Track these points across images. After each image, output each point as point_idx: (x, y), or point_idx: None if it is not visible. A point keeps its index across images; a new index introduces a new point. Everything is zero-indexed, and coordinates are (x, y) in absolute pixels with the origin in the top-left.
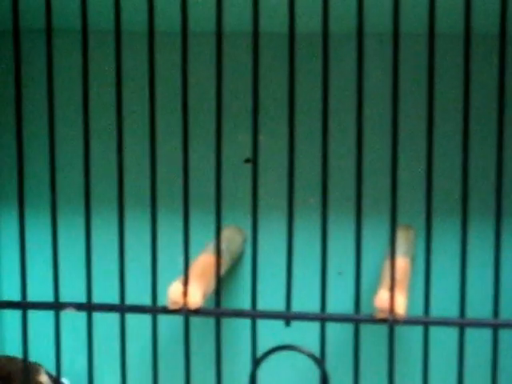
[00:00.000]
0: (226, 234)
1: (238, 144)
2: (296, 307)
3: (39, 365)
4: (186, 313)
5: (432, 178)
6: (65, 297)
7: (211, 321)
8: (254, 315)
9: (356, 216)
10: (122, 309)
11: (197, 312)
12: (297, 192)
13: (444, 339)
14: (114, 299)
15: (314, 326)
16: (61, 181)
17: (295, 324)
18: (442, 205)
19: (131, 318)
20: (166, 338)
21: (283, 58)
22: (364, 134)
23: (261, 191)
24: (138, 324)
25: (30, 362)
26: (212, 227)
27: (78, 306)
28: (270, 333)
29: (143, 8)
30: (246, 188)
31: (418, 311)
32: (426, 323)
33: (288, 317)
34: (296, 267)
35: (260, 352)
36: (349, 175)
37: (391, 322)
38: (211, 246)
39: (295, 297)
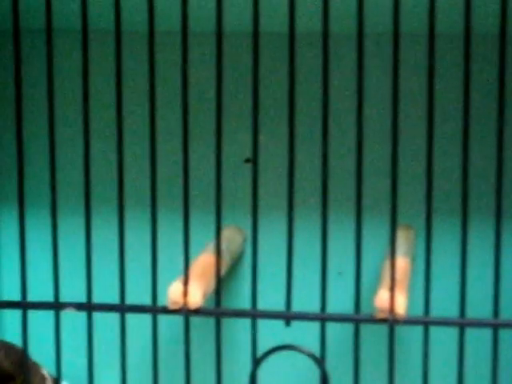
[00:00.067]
0: (226, 233)
1: (238, 144)
2: (296, 307)
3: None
4: (186, 313)
5: (432, 178)
6: (65, 297)
7: (211, 321)
8: (254, 315)
9: (356, 216)
10: (122, 309)
11: (197, 312)
12: (297, 192)
13: (444, 339)
14: (114, 299)
15: (314, 326)
16: (61, 181)
17: (295, 324)
18: (442, 205)
19: (131, 318)
20: (166, 338)
21: (283, 57)
22: (364, 133)
23: (261, 191)
24: (138, 324)
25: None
26: (212, 227)
27: (78, 306)
28: (270, 333)
29: (143, 8)
30: (246, 188)
31: (418, 311)
32: (426, 323)
33: (288, 317)
34: (296, 267)
35: (260, 352)
36: (349, 175)
37: (391, 322)
38: (211, 246)
39: (295, 297)
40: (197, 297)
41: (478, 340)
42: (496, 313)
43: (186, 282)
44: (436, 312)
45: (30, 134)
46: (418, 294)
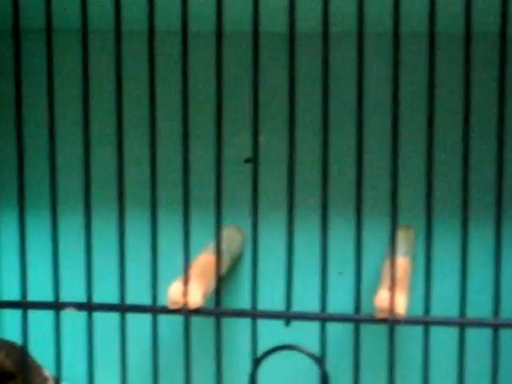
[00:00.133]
0: (226, 233)
1: (237, 144)
2: (296, 307)
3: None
4: (186, 312)
5: (432, 178)
6: (65, 296)
7: (211, 320)
8: (254, 315)
9: (356, 216)
10: (122, 308)
11: (197, 312)
12: (297, 192)
13: (444, 339)
14: (114, 299)
15: (314, 326)
16: (61, 181)
17: (295, 324)
18: (442, 205)
19: (131, 318)
20: (166, 338)
21: (283, 57)
22: (364, 134)
23: (261, 191)
24: (138, 324)
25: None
26: (212, 227)
27: (78, 306)
28: (270, 332)
29: (143, 7)
30: (246, 188)
31: (419, 311)
32: (426, 323)
33: (288, 316)
34: (296, 267)
35: (260, 352)
36: (349, 175)
37: (391, 322)
38: (211, 246)
39: (295, 296)
40: (197, 297)
41: (479, 340)
42: (496, 313)
43: (186, 282)
44: (436, 312)
45: (30, 134)
46: (418, 293)
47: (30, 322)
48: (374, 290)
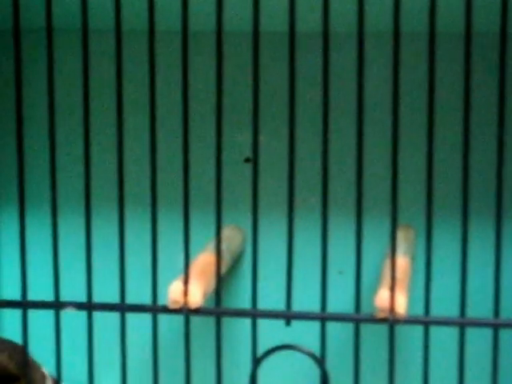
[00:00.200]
0: (226, 233)
1: (237, 144)
2: (296, 307)
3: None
4: (187, 312)
5: (432, 178)
6: (65, 296)
7: (211, 320)
8: (255, 314)
9: (356, 216)
10: (122, 308)
11: (197, 311)
12: (297, 192)
13: (444, 339)
14: (115, 298)
15: (315, 326)
16: (61, 180)
17: (295, 323)
18: (443, 205)
19: (131, 318)
20: (166, 338)
21: (283, 57)
22: (364, 133)
23: (261, 191)
24: (139, 323)
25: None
26: (212, 227)
27: (79, 306)
28: (271, 332)
29: (143, 7)
30: (246, 188)
31: (419, 311)
32: (426, 323)
33: (288, 316)
34: (296, 267)
35: (260, 351)
36: (349, 175)
37: (391, 322)
38: (211, 246)
39: (295, 296)
40: (197, 296)
41: (479, 340)
42: (496, 312)
43: (186, 282)
44: (436, 312)
45: (31, 134)
46: (418, 293)
47: (30, 322)
48: (374, 290)
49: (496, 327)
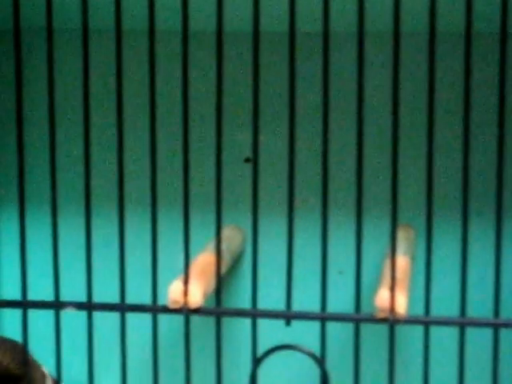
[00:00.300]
0: (226, 233)
1: (237, 144)
2: (296, 306)
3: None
4: (187, 312)
5: (432, 178)
6: (65, 296)
7: (211, 320)
8: (255, 314)
9: (356, 215)
10: (122, 308)
11: (197, 311)
12: (297, 192)
13: (444, 339)
14: (115, 298)
15: (315, 326)
16: (61, 180)
17: (295, 323)
18: (443, 204)
19: (131, 318)
20: (166, 338)
21: (283, 57)
22: (364, 133)
23: (261, 191)
24: (139, 323)
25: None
26: (212, 227)
27: (79, 305)
28: (271, 332)
29: (144, 7)
30: (246, 188)
31: (419, 311)
32: (426, 323)
33: (288, 316)
34: (296, 267)
35: (260, 351)
36: (349, 175)
37: (392, 322)
38: (211, 246)
39: (295, 296)
40: (197, 296)
41: (479, 339)
42: (496, 312)
43: (186, 282)
44: (436, 311)
45: (31, 134)
46: (418, 293)
47: (30, 322)
48: (374, 290)
49: (496, 327)
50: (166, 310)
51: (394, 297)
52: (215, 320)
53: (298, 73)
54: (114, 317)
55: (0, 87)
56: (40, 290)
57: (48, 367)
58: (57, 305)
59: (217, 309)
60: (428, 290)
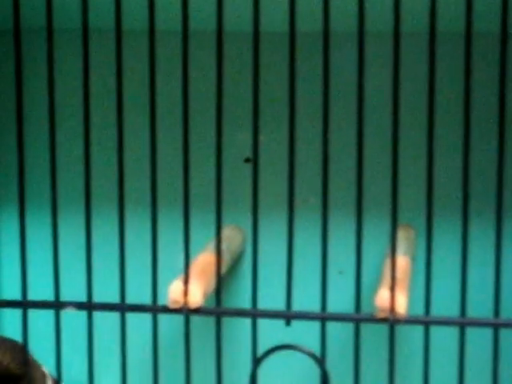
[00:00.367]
0: (227, 233)
1: (237, 144)
2: (296, 306)
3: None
4: (187, 312)
5: (433, 178)
6: (65, 296)
7: (212, 320)
8: (255, 314)
9: (356, 215)
10: (122, 308)
11: (197, 311)
12: (297, 191)
13: (445, 339)
14: (115, 298)
15: (315, 326)
16: (61, 180)
17: (295, 323)
18: (443, 204)
19: (131, 317)
20: (166, 337)
21: (284, 57)
22: (364, 133)
23: (261, 191)
24: (139, 323)
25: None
26: (212, 226)
27: (79, 305)
28: (271, 332)
29: (144, 6)
30: (246, 187)
31: (419, 311)
32: (426, 323)
33: (288, 316)
34: (296, 266)
35: (260, 351)
36: (349, 174)
37: (392, 322)
38: (211, 246)
39: (295, 296)
40: (197, 296)
41: (479, 339)
42: (497, 312)
43: (186, 282)
44: (436, 311)
45: (31, 134)
46: (418, 293)
47: (30, 322)
48: (374, 290)
49: (496, 327)
50: (166, 309)
51: (394, 297)
52: (215, 320)
53: (298, 73)
54: (114, 317)
55: (0, 87)
56: (40, 290)
57: (48, 367)
58: (57, 305)
59: (217, 309)
60: (428, 290)
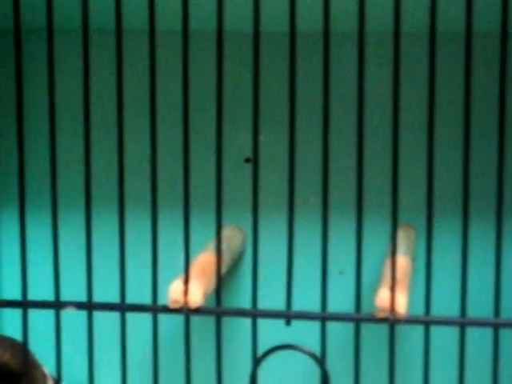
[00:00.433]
0: (227, 233)
1: (238, 144)
2: (296, 306)
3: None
4: (187, 312)
5: (433, 178)
6: (65, 296)
7: (212, 320)
8: (255, 314)
9: (357, 215)
10: (122, 308)
11: (197, 311)
12: (297, 191)
13: (445, 338)
14: (115, 298)
15: (315, 326)
16: (61, 180)
17: (296, 323)
18: (443, 205)
19: (132, 317)
20: (166, 337)
21: (284, 57)
22: (365, 133)
23: (261, 191)
24: (139, 323)
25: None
26: (212, 226)
27: (79, 305)
28: (271, 332)
29: (144, 6)
30: (246, 187)
31: (419, 310)
32: (426, 322)
33: (288, 316)
34: (296, 266)
35: (260, 351)
36: (349, 175)
37: (392, 322)
38: (211, 246)
39: (296, 296)
40: (197, 296)
41: (479, 339)
42: (497, 312)
43: (186, 281)
44: (437, 311)
45: (31, 134)
46: (418, 293)
47: (31, 322)
48: (374, 290)
49: (496, 327)
50: (166, 309)
51: (395, 297)
52: (215, 320)
53: (298, 73)
54: (114, 317)
55: (0, 87)
56: (40, 289)
57: (48, 367)
58: (57, 305)
59: (217, 309)
60: (428, 290)
